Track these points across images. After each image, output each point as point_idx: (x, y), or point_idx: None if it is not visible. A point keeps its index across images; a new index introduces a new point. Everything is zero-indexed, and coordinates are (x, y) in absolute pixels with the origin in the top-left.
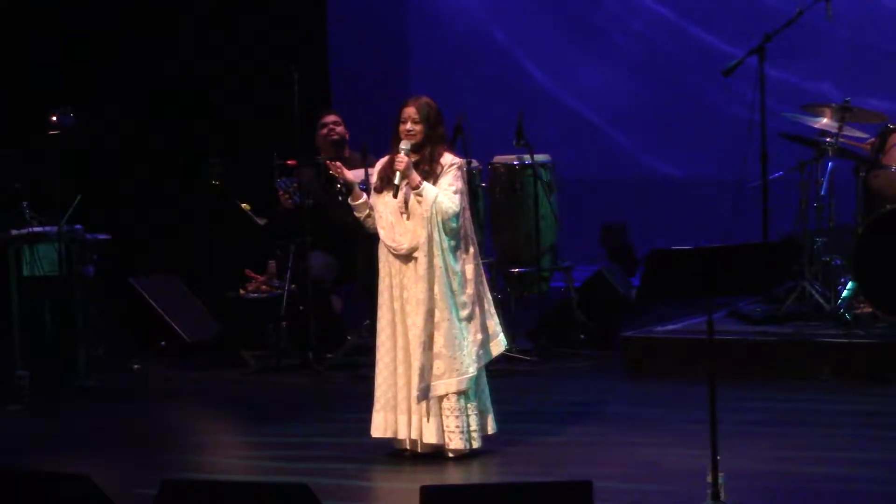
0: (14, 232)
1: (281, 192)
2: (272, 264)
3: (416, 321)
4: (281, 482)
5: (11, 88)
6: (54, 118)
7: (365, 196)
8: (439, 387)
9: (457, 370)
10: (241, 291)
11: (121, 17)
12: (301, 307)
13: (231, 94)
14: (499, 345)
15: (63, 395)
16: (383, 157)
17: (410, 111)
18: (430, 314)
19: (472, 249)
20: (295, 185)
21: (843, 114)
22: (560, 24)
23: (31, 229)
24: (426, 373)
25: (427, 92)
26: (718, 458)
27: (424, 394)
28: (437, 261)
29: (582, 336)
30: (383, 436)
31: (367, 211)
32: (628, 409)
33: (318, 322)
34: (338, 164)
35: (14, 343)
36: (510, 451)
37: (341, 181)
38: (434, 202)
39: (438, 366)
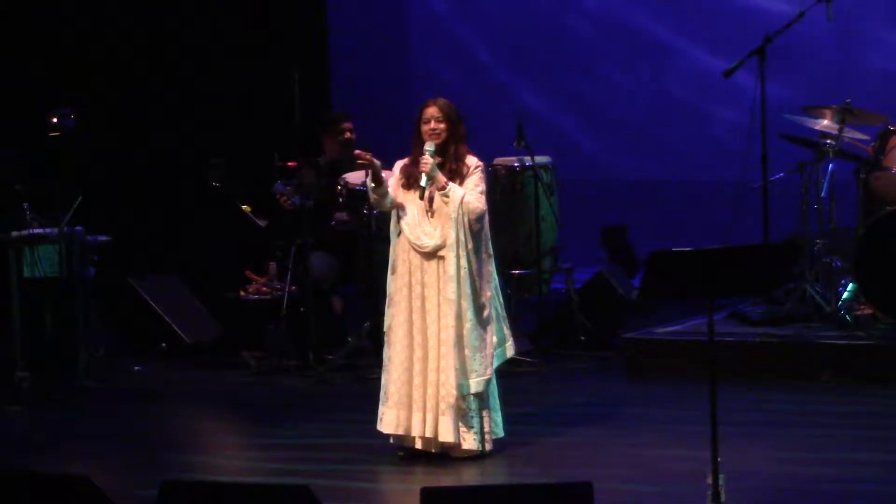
0: (15, 233)
1: (278, 196)
2: (272, 266)
3: (447, 321)
4: (281, 483)
5: (11, 88)
6: (55, 119)
7: (387, 184)
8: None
9: (475, 371)
10: (242, 293)
11: (121, 17)
12: (301, 308)
13: (232, 96)
14: (510, 347)
15: (63, 395)
16: (370, 156)
17: (433, 111)
18: (458, 315)
19: (490, 251)
20: (290, 188)
21: (844, 115)
22: (559, 26)
23: (31, 230)
24: (460, 371)
25: (427, 94)
26: (719, 459)
27: (464, 390)
28: (463, 261)
29: (582, 337)
30: (395, 432)
31: (390, 199)
32: (629, 411)
33: (318, 323)
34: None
35: (14, 343)
36: (511, 452)
37: (342, 182)
38: (461, 202)
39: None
